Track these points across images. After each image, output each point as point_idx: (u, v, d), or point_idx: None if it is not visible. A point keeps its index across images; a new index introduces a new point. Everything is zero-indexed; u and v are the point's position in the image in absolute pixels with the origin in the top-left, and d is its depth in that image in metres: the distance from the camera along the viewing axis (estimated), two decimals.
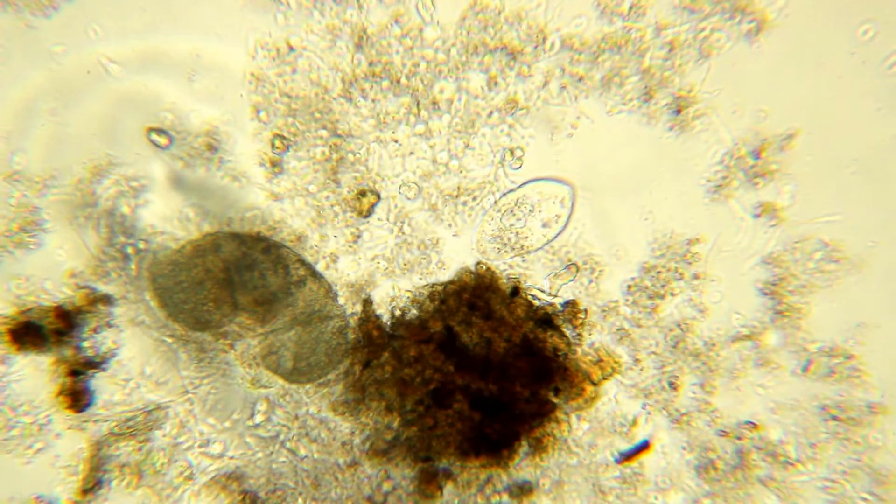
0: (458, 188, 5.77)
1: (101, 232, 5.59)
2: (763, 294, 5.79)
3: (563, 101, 5.64)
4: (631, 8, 5.48)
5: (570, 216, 5.69)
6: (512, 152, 5.68)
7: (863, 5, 5.49)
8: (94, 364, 5.64)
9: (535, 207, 5.60)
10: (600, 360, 5.80)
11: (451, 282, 5.77)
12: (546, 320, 5.75)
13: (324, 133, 5.67)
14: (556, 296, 5.80)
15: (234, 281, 5.51)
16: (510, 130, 5.67)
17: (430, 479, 5.77)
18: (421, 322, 5.72)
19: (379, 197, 5.76)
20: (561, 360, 5.72)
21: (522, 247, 5.43)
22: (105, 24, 5.48)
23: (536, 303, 5.77)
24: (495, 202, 5.40)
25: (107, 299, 5.64)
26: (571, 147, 5.69)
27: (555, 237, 5.67)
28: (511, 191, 5.65)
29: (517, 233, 5.66)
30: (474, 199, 5.77)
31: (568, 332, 5.77)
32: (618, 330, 5.85)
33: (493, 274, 5.75)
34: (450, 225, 5.80)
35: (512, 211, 5.58)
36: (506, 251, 5.51)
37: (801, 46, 5.55)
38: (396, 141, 5.69)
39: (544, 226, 5.59)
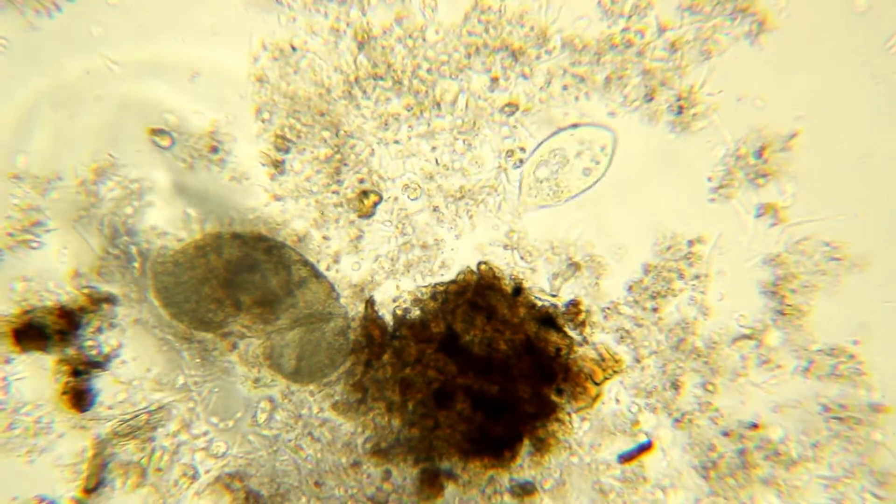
0: (462, 189, 5.77)
1: (105, 232, 5.60)
2: (765, 294, 5.79)
3: (565, 101, 5.64)
4: (633, 8, 5.49)
5: (609, 163, 5.64)
6: (511, 153, 5.69)
7: None
8: (97, 364, 5.65)
9: (574, 154, 5.54)
10: (602, 360, 5.80)
11: (454, 282, 5.77)
12: (548, 320, 5.75)
13: (326, 133, 5.67)
14: (557, 295, 5.81)
15: (235, 281, 5.51)
16: (512, 132, 5.68)
17: (431, 480, 5.78)
18: (423, 322, 5.72)
19: (381, 197, 5.76)
20: (563, 360, 5.73)
21: (559, 193, 5.37)
22: (107, 24, 5.49)
23: (539, 302, 5.77)
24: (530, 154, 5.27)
25: (109, 299, 5.65)
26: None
27: (592, 185, 5.60)
28: (544, 141, 5.58)
29: (557, 182, 5.56)
30: (476, 200, 5.78)
31: (570, 331, 5.78)
32: (619, 329, 5.85)
33: (495, 273, 5.75)
34: (452, 227, 5.81)
35: (552, 165, 5.51)
36: (545, 195, 5.40)
37: (802, 45, 5.54)
38: (398, 141, 5.70)
39: (585, 171, 5.52)
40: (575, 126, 5.45)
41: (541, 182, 5.56)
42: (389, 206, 5.78)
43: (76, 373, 5.63)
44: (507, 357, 5.64)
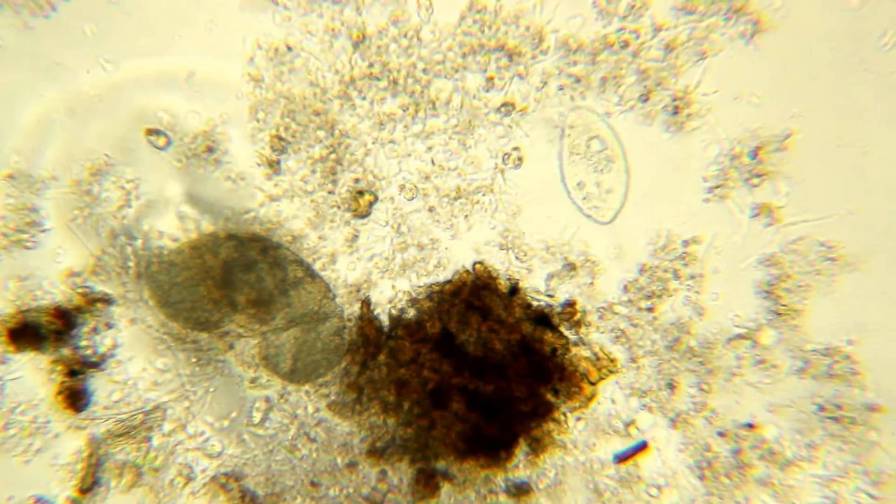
0: (458, 189, 5.77)
1: (101, 232, 5.60)
2: (760, 294, 5.79)
3: (561, 101, 5.64)
4: (628, 8, 5.49)
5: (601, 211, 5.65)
6: (507, 156, 5.69)
7: None
8: (93, 364, 5.65)
9: (604, 170, 5.51)
10: (598, 360, 5.80)
11: (449, 281, 5.77)
12: (544, 320, 5.75)
13: (321, 133, 5.67)
14: (553, 296, 5.81)
15: (231, 281, 5.51)
16: (507, 132, 5.68)
17: (427, 480, 5.78)
18: (418, 322, 5.72)
19: (377, 197, 5.76)
20: (559, 360, 5.73)
21: (571, 162, 5.29)
22: (102, 24, 5.48)
23: (535, 302, 5.77)
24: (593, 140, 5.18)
25: (105, 299, 5.65)
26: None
27: (576, 202, 5.58)
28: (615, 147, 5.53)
29: (581, 151, 5.49)
30: (472, 201, 5.78)
31: (566, 331, 5.78)
32: (614, 329, 5.85)
33: (490, 273, 5.75)
34: (448, 227, 5.81)
35: (597, 153, 5.45)
36: (568, 139, 5.30)
37: (796, 43, 5.55)
38: (394, 141, 5.69)
39: (579, 184, 5.50)
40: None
41: (581, 143, 5.48)
42: (385, 206, 5.78)
43: (72, 373, 5.62)
44: (502, 357, 5.65)
